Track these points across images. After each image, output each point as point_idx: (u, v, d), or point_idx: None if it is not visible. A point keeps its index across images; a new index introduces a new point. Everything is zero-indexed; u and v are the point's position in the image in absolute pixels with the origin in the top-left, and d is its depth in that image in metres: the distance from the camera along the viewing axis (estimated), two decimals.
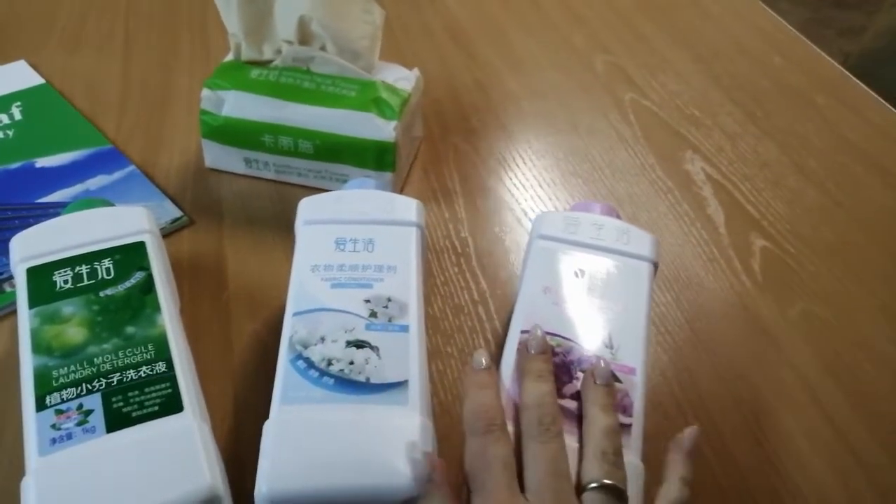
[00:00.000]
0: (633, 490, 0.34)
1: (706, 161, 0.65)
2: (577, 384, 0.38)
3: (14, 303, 0.47)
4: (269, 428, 0.35)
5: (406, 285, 0.42)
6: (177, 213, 0.56)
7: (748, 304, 0.53)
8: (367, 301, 0.40)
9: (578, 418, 0.37)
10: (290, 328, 0.39)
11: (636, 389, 0.38)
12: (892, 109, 0.72)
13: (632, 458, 0.36)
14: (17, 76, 0.68)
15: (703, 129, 0.69)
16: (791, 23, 0.86)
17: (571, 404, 0.37)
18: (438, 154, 0.64)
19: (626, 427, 0.37)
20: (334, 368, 0.37)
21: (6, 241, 0.43)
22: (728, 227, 0.59)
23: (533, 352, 0.38)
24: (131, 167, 0.59)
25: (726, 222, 0.59)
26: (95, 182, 0.58)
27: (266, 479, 0.34)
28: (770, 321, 0.52)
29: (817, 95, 0.74)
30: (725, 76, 0.76)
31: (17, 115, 0.63)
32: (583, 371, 0.38)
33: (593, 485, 0.32)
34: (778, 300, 0.54)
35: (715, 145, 0.67)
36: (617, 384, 0.38)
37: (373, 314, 0.40)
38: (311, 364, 0.37)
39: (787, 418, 0.47)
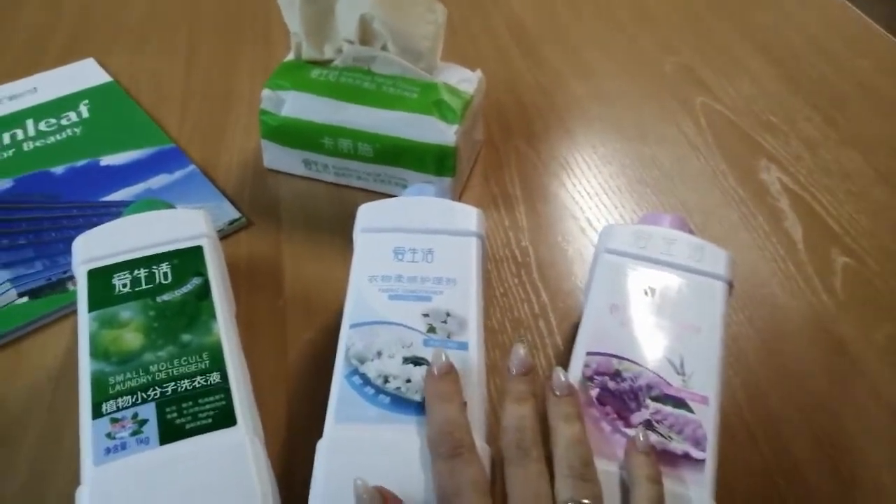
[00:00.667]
0: None
1: (783, 170, 0.62)
2: (647, 413, 0.36)
3: (75, 302, 0.48)
4: (321, 447, 0.34)
5: (466, 299, 0.40)
6: (235, 214, 0.56)
7: (829, 325, 0.50)
8: (426, 315, 0.39)
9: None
10: (347, 341, 0.38)
11: (709, 420, 0.36)
12: None
13: (704, 495, 0.33)
14: (86, 74, 0.69)
15: (780, 136, 0.65)
16: (876, 19, 0.81)
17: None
18: (500, 158, 0.62)
19: (699, 462, 0.34)
20: (391, 386, 0.36)
21: (70, 239, 0.43)
22: (807, 242, 0.55)
23: (514, 372, 0.37)
24: (192, 167, 0.60)
25: (805, 237, 0.56)
26: (157, 181, 0.58)
27: (319, 500, 0.33)
28: (854, 345, 0.49)
29: None
30: (804, 79, 0.71)
31: (85, 113, 0.64)
32: (652, 398, 0.36)
33: None
34: (862, 322, 0.50)
35: (793, 153, 0.63)
36: (689, 415, 0.36)
37: (431, 329, 0.38)
38: (367, 380, 0.36)
39: (872, 451, 0.43)
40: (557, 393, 0.36)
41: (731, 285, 0.42)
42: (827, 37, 0.78)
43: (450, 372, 0.36)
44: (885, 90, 0.70)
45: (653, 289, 0.41)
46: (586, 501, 0.31)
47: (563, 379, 0.36)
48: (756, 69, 0.73)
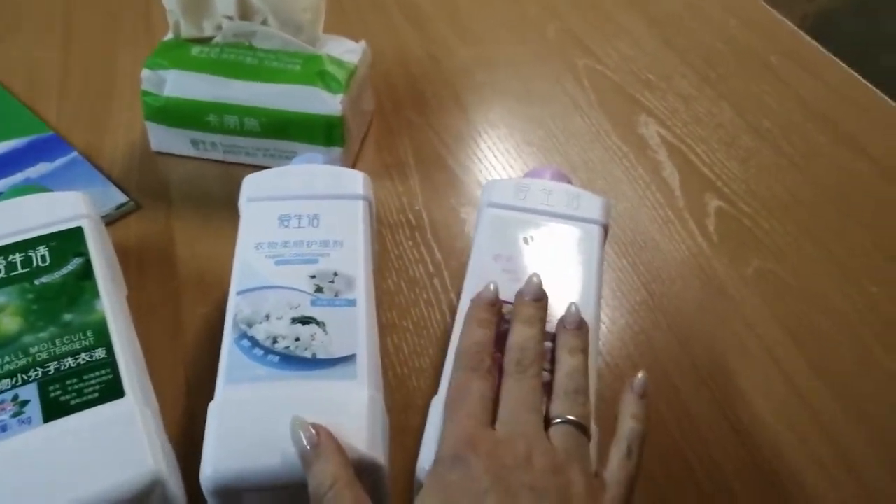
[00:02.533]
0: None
1: (661, 124, 0.65)
2: None
3: None
4: (213, 408, 0.35)
5: (353, 259, 0.41)
6: (122, 198, 0.55)
7: (704, 264, 0.53)
8: (313, 277, 0.40)
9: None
10: (235, 307, 0.38)
11: (592, 352, 0.38)
12: (847, 69, 0.73)
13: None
14: None
15: (658, 93, 0.68)
16: None
17: None
18: (391, 128, 0.63)
19: None
20: (280, 346, 0.36)
21: None
22: (683, 189, 0.59)
23: (526, 298, 0.38)
24: (74, 153, 0.58)
25: (681, 184, 0.59)
26: (36, 170, 0.56)
27: (211, 461, 0.33)
28: (726, 281, 0.52)
29: (772, 56, 0.73)
30: (679, 39, 0.75)
31: None
32: None
33: (557, 420, 0.33)
34: (733, 260, 0.54)
35: (669, 108, 0.67)
36: None
37: (319, 290, 0.39)
38: (255, 342, 0.37)
39: (745, 377, 0.47)
40: (567, 326, 0.37)
41: (606, 228, 0.44)
42: None
43: (494, 304, 0.38)
44: (753, 47, 0.75)
45: (532, 237, 0.43)
46: (572, 417, 0.33)
47: (574, 313, 0.38)
48: (635, 30, 0.76)
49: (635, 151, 0.62)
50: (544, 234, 0.43)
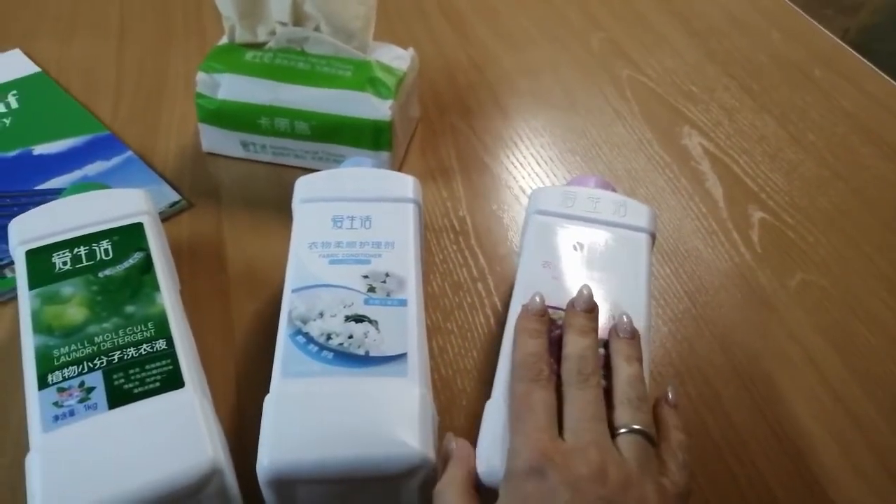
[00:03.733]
0: None
1: (703, 136, 0.65)
2: None
3: (15, 288, 0.48)
4: (269, 401, 0.36)
5: (404, 260, 0.42)
6: (175, 196, 0.56)
7: (747, 275, 0.53)
8: (366, 276, 0.41)
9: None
10: (289, 304, 0.39)
11: (644, 357, 0.38)
12: (890, 80, 0.72)
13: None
14: (13, 65, 0.68)
15: (700, 105, 0.68)
16: (793, 1, 0.85)
17: None
18: (435, 134, 0.64)
19: None
20: (333, 342, 0.37)
21: (4, 228, 0.43)
22: (726, 201, 0.59)
23: (578, 308, 0.39)
24: (129, 153, 0.60)
25: (725, 195, 0.59)
26: (93, 168, 0.58)
27: (267, 452, 0.34)
28: (769, 292, 0.52)
29: (815, 68, 0.73)
30: (721, 51, 0.75)
31: (14, 104, 0.63)
32: None
33: (623, 430, 0.34)
34: (777, 271, 0.54)
35: (712, 120, 0.67)
36: None
37: (371, 289, 0.40)
38: (310, 339, 0.38)
39: (787, 385, 0.47)
40: (621, 335, 0.38)
41: (653, 236, 0.44)
42: (742, 10, 0.82)
43: (542, 314, 0.39)
44: (794, 60, 0.75)
45: (581, 244, 0.43)
46: (638, 427, 0.34)
47: (627, 322, 0.38)
48: (677, 42, 0.76)
49: (678, 162, 0.62)
50: (593, 241, 0.43)
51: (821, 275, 0.54)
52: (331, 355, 0.37)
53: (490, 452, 0.35)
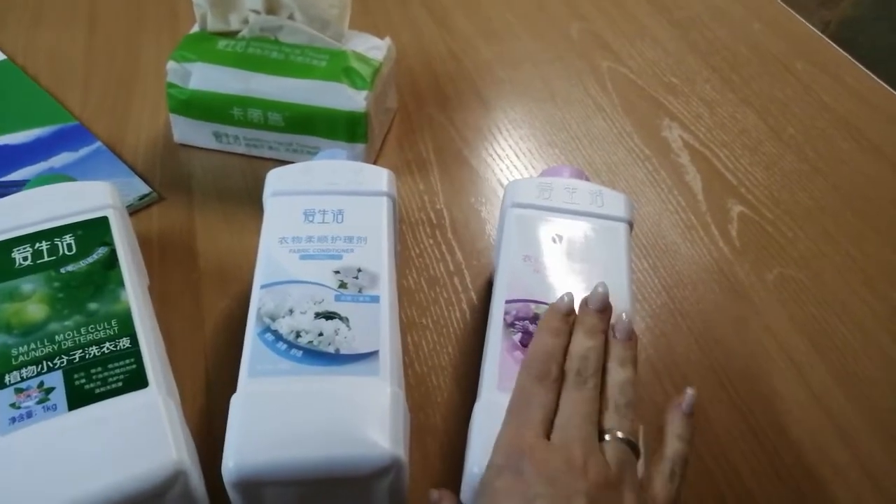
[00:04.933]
0: None
1: (684, 128, 0.65)
2: None
3: None
4: (235, 401, 0.35)
5: (377, 256, 0.41)
6: (145, 189, 0.55)
7: (725, 269, 0.53)
8: (337, 272, 0.40)
9: None
10: (258, 301, 0.38)
11: None
12: (871, 75, 0.72)
13: None
14: None
15: (681, 97, 0.68)
16: None
17: None
18: (413, 125, 0.63)
19: None
20: (303, 340, 0.36)
21: None
22: (706, 194, 0.59)
23: (591, 307, 0.38)
24: (98, 144, 0.58)
25: (704, 189, 0.59)
26: (60, 159, 0.57)
27: (233, 454, 0.33)
28: (747, 286, 0.52)
29: (796, 61, 0.73)
30: (703, 42, 0.75)
31: None
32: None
33: (608, 436, 0.33)
34: (755, 265, 0.53)
35: (693, 112, 0.66)
36: None
37: (342, 285, 0.39)
38: (279, 336, 0.37)
39: (764, 382, 0.46)
40: (618, 336, 0.37)
41: (631, 225, 0.44)
42: (724, 2, 0.81)
43: (569, 314, 0.38)
44: (776, 52, 0.74)
45: (560, 235, 0.43)
46: (622, 436, 0.33)
47: (626, 322, 0.37)
48: (658, 33, 0.76)
49: (658, 155, 0.62)
50: (572, 232, 0.43)
51: (798, 269, 0.53)
52: (300, 353, 0.36)
53: (483, 454, 0.34)
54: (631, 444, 0.33)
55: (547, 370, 0.35)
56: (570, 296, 0.38)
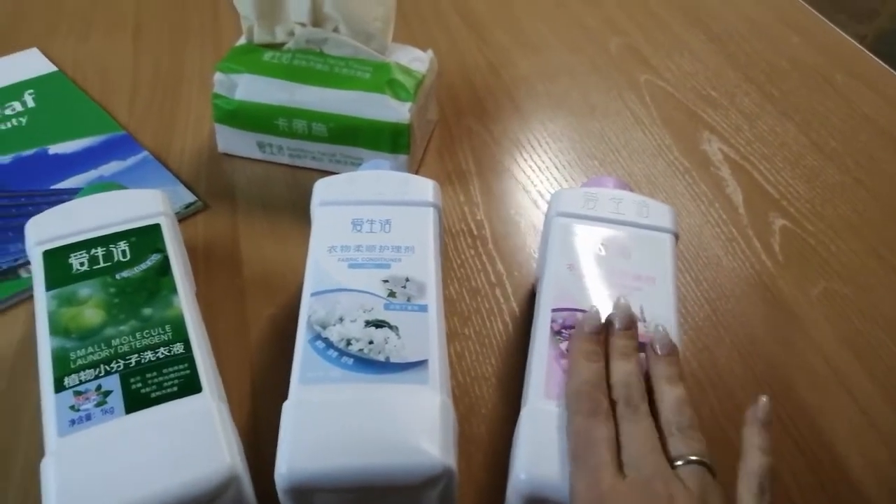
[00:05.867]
0: None
1: (724, 141, 0.64)
2: None
3: (30, 289, 0.47)
4: (288, 408, 0.35)
5: (424, 265, 0.41)
6: (190, 197, 0.56)
7: (769, 283, 0.53)
8: (386, 281, 0.40)
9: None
10: (308, 308, 0.39)
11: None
12: None
13: None
14: (30, 64, 0.68)
15: (720, 110, 0.68)
16: None
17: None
18: (452, 136, 0.63)
19: None
20: (353, 348, 0.37)
21: (20, 227, 0.43)
22: (747, 207, 0.58)
23: (618, 326, 0.37)
24: (144, 153, 0.59)
25: (745, 202, 0.59)
26: (109, 168, 0.58)
27: (286, 460, 0.33)
28: (792, 300, 0.51)
29: (836, 74, 0.72)
30: (741, 55, 0.75)
31: (31, 103, 0.63)
32: None
33: (680, 461, 0.32)
34: (799, 279, 0.53)
35: (732, 125, 0.66)
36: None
37: (391, 294, 0.39)
38: (329, 344, 0.37)
39: (810, 397, 0.46)
40: (659, 351, 0.36)
41: (676, 236, 0.44)
42: (761, 15, 0.81)
43: (598, 331, 0.37)
44: (815, 65, 0.74)
45: (606, 245, 0.43)
46: (695, 458, 0.32)
47: (664, 335, 0.37)
48: (696, 47, 0.75)
49: (698, 168, 0.61)
50: (618, 242, 0.43)
51: (843, 284, 0.53)
52: (350, 361, 0.36)
53: (531, 461, 0.34)
54: (705, 465, 0.32)
55: (597, 403, 0.34)
56: (596, 311, 0.38)
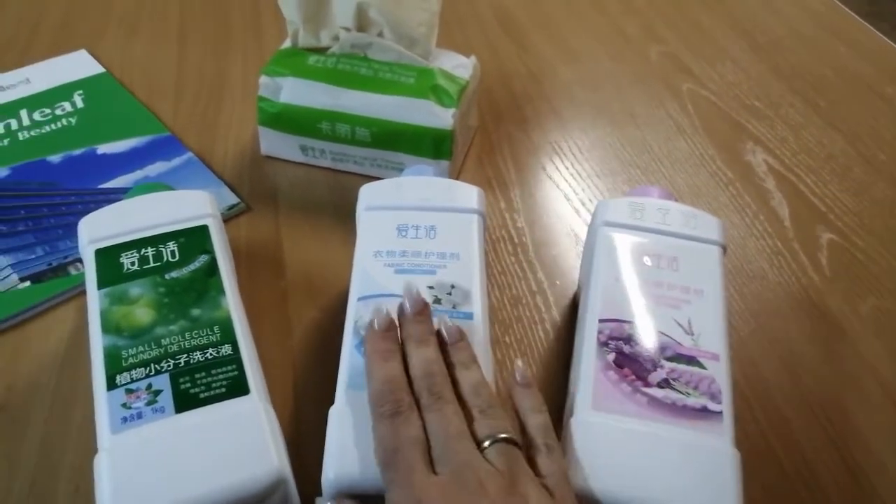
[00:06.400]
0: (730, 475, 0.34)
1: (768, 152, 0.63)
2: (663, 372, 0.37)
3: (79, 286, 0.48)
4: (334, 414, 0.35)
5: (469, 273, 0.41)
6: (234, 199, 0.56)
7: (816, 298, 0.52)
8: (431, 287, 0.40)
9: (666, 406, 0.36)
10: (355, 313, 0.39)
11: (722, 375, 0.37)
12: None
13: (726, 445, 0.35)
14: (79, 65, 0.69)
15: (765, 120, 0.67)
16: (851, 7, 0.83)
17: (658, 392, 0.36)
18: (492, 143, 0.63)
19: (717, 414, 0.36)
20: None
21: (70, 225, 0.44)
22: (793, 220, 0.57)
23: (410, 312, 0.37)
24: (189, 154, 0.60)
25: (791, 215, 0.58)
26: (155, 168, 0.59)
27: (333, 465, 0.33)
28: (840, 316, 0.50)
29: (886, 86, 0.71)
30: (786, 65, 0.73)
31: (80, 103, 0.64)
32: (667, 358, 0.37)
33: (487, 442, 0.33)
34: (847, 295, 0.52)
35: (777, 136, 0.65)
36: (702, 371, 0.37)
37: (437, 300, 0.39)
38: None
39: (861, 416, 0.45)
40: (448, 340, 0.37)
41: (724, 249, 0.43)
42: (806, 25, 0.80)
43: (391, 329, 0.37)
44: (863, 76, 0.72)
45: (653, 256, 0.42)
46: (503, 435, 0.33)
47: (451, 327, 0.37)
48: (739, 56, 0.75)
49: (742, 179, 0.61)
50: (664, 253, 0.42)
51: (894, 301, 0.51)
52: None
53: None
54: (511, 441, 0.33)
55: (397, 403, 0.34)
56: (385, 309, 0.37)
